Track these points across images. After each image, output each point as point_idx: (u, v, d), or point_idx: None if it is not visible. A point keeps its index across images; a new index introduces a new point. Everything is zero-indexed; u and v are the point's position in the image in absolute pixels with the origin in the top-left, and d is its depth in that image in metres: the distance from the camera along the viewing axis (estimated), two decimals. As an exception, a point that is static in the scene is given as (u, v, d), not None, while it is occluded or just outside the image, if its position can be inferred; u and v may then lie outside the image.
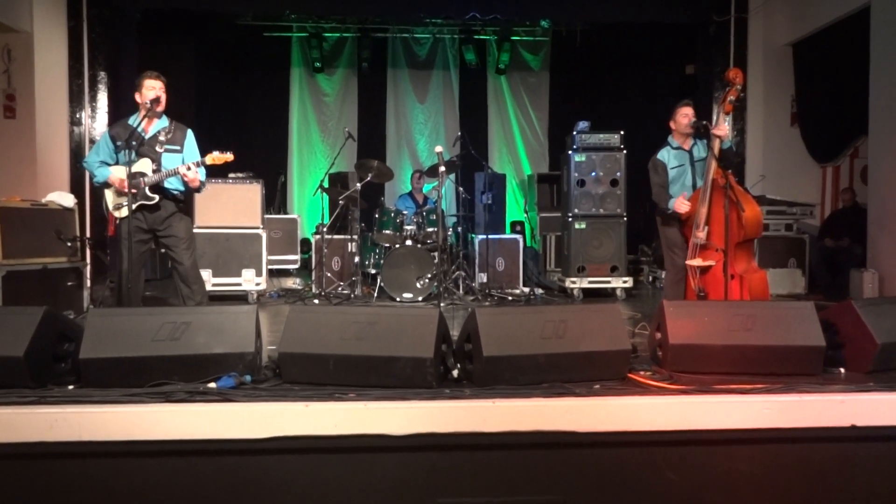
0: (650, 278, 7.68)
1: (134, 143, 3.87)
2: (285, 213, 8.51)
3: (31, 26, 6.55)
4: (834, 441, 2.50)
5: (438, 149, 5.32)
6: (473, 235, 7.17)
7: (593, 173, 6.43)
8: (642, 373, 2.87)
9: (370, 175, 6.21)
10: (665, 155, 4.33)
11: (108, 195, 4.09)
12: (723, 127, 4.00)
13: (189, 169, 3.99)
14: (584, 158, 6.45)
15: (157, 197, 4.01)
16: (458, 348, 2.90)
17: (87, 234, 6.81)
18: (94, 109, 7.39)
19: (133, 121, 4.09)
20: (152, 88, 3.99)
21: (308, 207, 9.43)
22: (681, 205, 4.07)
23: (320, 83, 9.82)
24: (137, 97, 4.05)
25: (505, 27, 9.22)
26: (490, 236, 6.71)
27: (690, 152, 4.29)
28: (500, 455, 2.44)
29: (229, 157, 4.09)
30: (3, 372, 2.55)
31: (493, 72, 9.89)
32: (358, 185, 6.20)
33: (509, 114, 10.01)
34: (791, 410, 2.48)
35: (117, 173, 3.99)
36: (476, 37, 9.47)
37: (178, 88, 8.63)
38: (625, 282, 6.41)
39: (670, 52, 9.08)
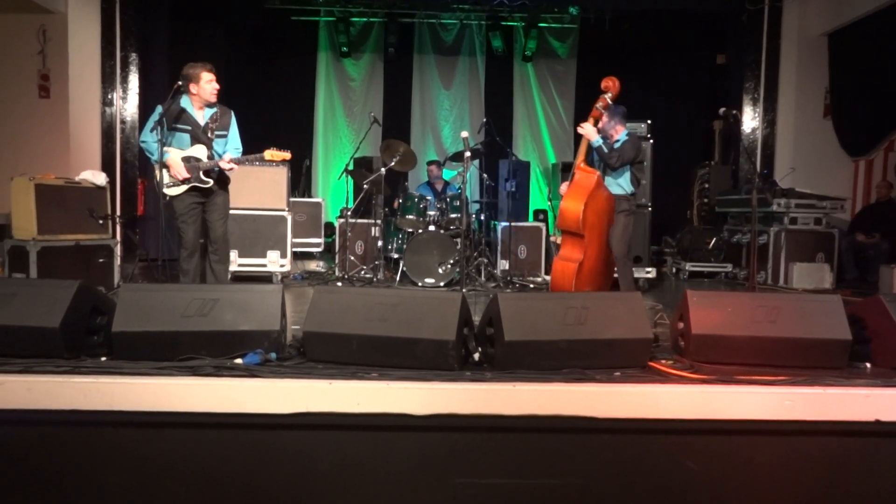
0: (674, 269, 7.61)
1: (189, 127, 4.13)
2: (310, 196, 8.57)
3: (66, 7, 6.66)
4: (857, 435, 2.48)
5: (464, 134, 5.32)
6: (496, 222, 7.17)
7: (619, 162, 6.36)
8: (663, 361, 2.87)
9: (395, 159, 6.23)
10: None
11: (164, 173, 4.17)
12: (587, 127, 4.56)
13: (229, 161, 4.17)
14: (609, 147, 6.38)
15: (210, 181, 4.20)
16: (479, 332, 2.93)
17: (118, 213, 6.95)
18: (125, 90, 7.50)
19: (185, 103, 4.17)
20: (210, 81, 4.11)
21: (332, 191, 9.49)
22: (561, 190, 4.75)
23: (346, 68, 9.83)
24: (193, 87, 4.11)
25: (533, 14, 9.12)
26: (513, 224, 6.70)
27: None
28: (519, 438, 2.47)
29: (287, 155, 4.34)
30: (39, 342, 2.64)
31: (519, 59, 9.81)
32: (382, 169, 6.22)
33: (535, 101, 9.94)
34: (814, 403, 2.47)
35: (175, 157, 4.11)
36: (503, 23, 9.39)
37: (207, 71, 8.76)
38: (648, 272, 6.37)
39: (701, 41, 8.93)
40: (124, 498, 2.40)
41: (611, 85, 4.57)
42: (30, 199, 4.63)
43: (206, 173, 4.17)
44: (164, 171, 4.10)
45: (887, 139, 7.19)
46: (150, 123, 4.08)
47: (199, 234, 4.27)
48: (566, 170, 8.50)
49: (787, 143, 7.77)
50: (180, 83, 4.09)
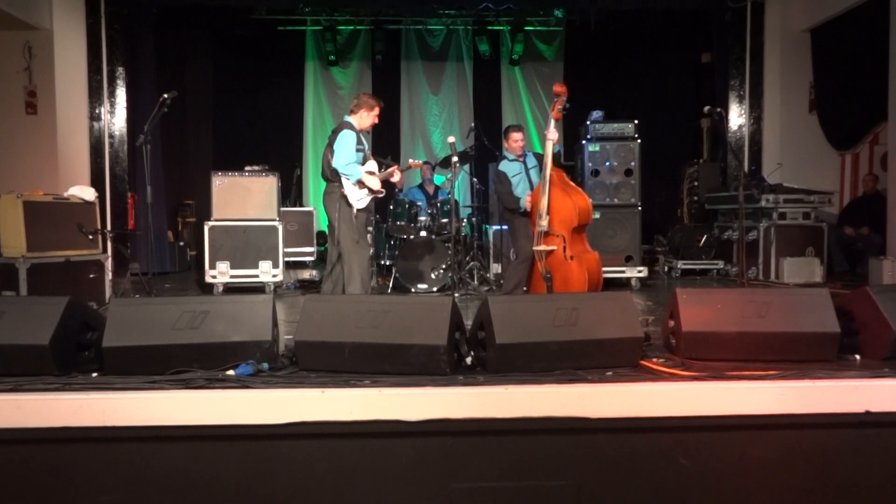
0: (665, 268, 7.64)
1: (364, 146, 4.79)
2: (301, 205, 8.55)
3: (51, 24, 6.64)
4: (848, 427, 2.50)
5: (451, 139, 5.32)
6: (488, 226, 7.19)
7: (607, 163, 6.41)
8: (655, 360, 2.88)
9: (383, 167, 6.24)
10: (506, 167, 5.09)
11: (352, 189, 4.64)
12: (554, 132, 4.67)
13: (396, 170, 4.89)
14: (597, 148, 6.43)
15: (384, 190, 4.81)
16: (471, 336, 2.93)
17: (108, 228, 6.93)
18: (112, 105, 7.48)
19: (356, 126, 4.75)
20: (378, 116, 4.83)
21: (323, 200, 9.47)
22: (529, 202, 4.79)
23: (335, 76, 9.85)
24: (365, 114, 4.75)
25: (518, 17, 9.16)
26: (504, 227, 6.71)
27: (524, 162, 5.10)
28: (513, 441, 2.47)
29: (420, 162, 5.35)
30: (29, 360, 2.63)
31: (506, 62, 9.85)
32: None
33: (523, 104, 9.98)
34: (805, 396, 2.48)
35: (369, 172, 4.69)
36: (490, 27, 9.43)
37: (194, 83, 8.77)
38: (639, 271, 6.39)
39: (686, 40, 8.99)
40: (119, 514, 2.39)
41: (564, 90, 4.83)
42: (18, 217, 4.60)
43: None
44: (354, 186, 4.61)
45: (872, 132, 7.26)
46: (351, 151, 4.59)
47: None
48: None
49: (774, 139, 7.83)
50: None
